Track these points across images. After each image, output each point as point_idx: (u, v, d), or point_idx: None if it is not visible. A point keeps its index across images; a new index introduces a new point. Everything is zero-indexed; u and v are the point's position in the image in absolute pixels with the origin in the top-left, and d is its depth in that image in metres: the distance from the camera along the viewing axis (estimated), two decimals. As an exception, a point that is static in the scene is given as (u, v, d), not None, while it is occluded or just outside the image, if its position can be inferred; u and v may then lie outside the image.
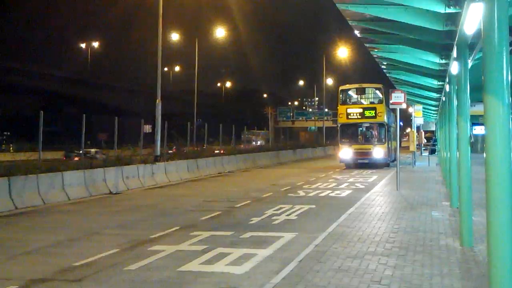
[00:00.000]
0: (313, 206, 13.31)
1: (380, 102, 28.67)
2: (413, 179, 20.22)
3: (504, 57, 4.28)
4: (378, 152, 27.92)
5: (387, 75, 18.06)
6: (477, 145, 34.84)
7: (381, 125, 28.38)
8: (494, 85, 4.34)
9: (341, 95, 29.63)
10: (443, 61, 11.19)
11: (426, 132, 43.93)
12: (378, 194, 15.28)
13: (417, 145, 31.60)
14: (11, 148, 31.34)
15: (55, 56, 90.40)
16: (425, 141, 42.79)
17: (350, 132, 29.25)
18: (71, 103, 62.22)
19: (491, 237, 4.43)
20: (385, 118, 28.17)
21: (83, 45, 66.95)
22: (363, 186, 18.36)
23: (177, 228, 10.44)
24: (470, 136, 8.38)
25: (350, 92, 30.23)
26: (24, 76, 57.69)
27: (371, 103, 29.71)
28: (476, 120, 23.97)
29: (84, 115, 18.56)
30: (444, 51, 10.33)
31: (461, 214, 8.12)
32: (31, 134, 22.46)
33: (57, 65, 68.13)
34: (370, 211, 11.80)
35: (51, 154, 19.82)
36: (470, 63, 8.43)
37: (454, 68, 8.97)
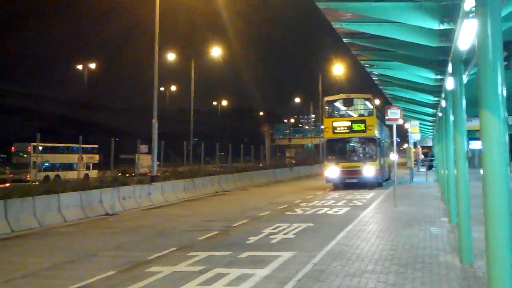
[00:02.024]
0: (311, 224, 13.21)
1: (370, 114, 26.11)
2: (411, 196, 20.14)
3: (499, 72, 4.28)
4: (368, 170, 25.10)
5: (383, 91, 18.10)
6: (475, 160, 34.93)
7: (371, 140, 25.75)
8: (489, 100, 4.33)
9: (326, 107, 26.96)
10: (439, 77, 11.23)
11: (423, 147, 43.96)
12: (376, 211, 15.19)
13: (414, 161, 31.25)
14: (7, 170, 31.18)
15: (51, 77, 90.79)
16: (423, 156, 42.83)
17: (337, 148, 26.73)
18: (67, 124, 62.22)
19: (490, 253, 4.38)
20: (376, 132, 25.78)
21: (79, 67, 67.19)
22: (360, 204, 18.27)
23: (174, 248, 10.33)
24: (467, 151, 8.36)
25: (336, 104, 27.65)
26: (20, 98, 57.78)
27: (360, 115, 27.38)
28: (473, 135, 24.03)
29: (81, 136, 18.53)
30: (439, 67, 10.36)
31: (460, 231, 8.06)
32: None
33: (53, 87, 68.34)
34: (368, 229, 11.72)
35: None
36: (465, 78, 8.45)
37: (450, 83, 8.99)
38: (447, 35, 7.75)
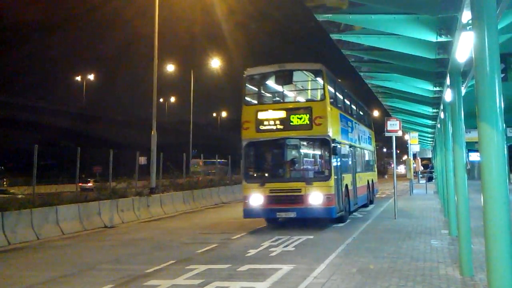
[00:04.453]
0: (311, 236, 13.14)
1: (322, 98, 15.02)
2: (411, 208, 20.09)
3: (496, 84, 4.28)
4: (315, 196, 14.27)
5: (382, 103, 18.14)
6: (474, 171, 34.95)
7: (322, 142, 14.94)
8: (487, 112, 4.33)
9: (247, 87, 15.63)
10: (437, 89, 11.27)
11: (422, 159, 43.98)
12: (376, 223, 15.14)
13: (414, 172, 31.06)
14: (4, 183, 31.11)
15: (49, 89, 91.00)
16: (422, 168, 42.84)
17: (263, 157, 16.17)
18: (65, 136, 62.19)
19: (490, 266, 4.34)
20: (331, 128, 14.58)
21: (78, 78, 67.41)
22: (361, 216, 18.19)
23: (173, 261, 10.25)
24: (466, 163, 8.35)
25: (263, 81, 16.37)
26: (18, 110, 57.81)
27: (306, 100, 16.84)
28: (472, 146, 24.07)
29: (79, 148, 18.50)
30: (437, 78, 10.39)
31: (460, 243, 8.01)
32: (25, 168, 22.32)
33: (51, 99, 68.43)
34: (368, 241, 11.65)
35: (44, 188, 19.70)
36: (463, 90, 8.46)
37: (448, 95, 9.01)
38: (445, 47, 7.78)
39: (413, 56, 8.76)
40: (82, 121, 65.35)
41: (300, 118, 14.63)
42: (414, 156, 31.85)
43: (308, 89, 17.01)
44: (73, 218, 15.95)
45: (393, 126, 16.41)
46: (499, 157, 4.31)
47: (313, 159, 16.75)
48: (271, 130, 14.92)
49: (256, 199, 14.85)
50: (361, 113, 22.29)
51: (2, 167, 43.51)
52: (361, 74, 12.64)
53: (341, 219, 15.62)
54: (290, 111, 14.89)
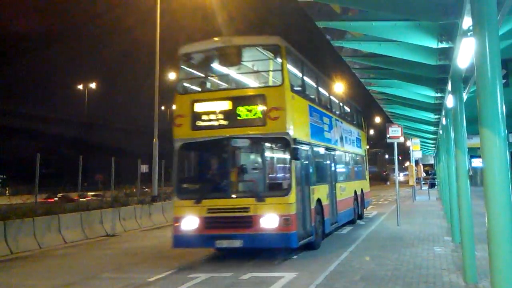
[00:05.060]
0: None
1: (280, 83, 11.14)
2: (414, 214, 20.01)
3: (498, 90, 4.27)
4: (268, 218, 10.49)
5: (384, 109, 18.14)
6: (477, 178, 34.86)
7: (280, 143, 11.35)
8: (489, 119, 4.31)
9: (182, 69, 12.10)
10: (439, 95, 11.25)
11: (425, 165, 43.93)
12: (379, 230, 15.08)
13: (416, 179, 30.96)
14: (7, 191, 31.15)
15: (51, 97, 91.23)
16: (424, 174, 42.79)
17: (200, 164, 12.72)
18: (67, 144, 62.29)
19: (494, 272, 4.30)
20: (291, 124, 10.90)
21: (79, 86, 67.53)
22: (363, 223, 18.13)
23: (175, 270, 10.22)
24: (469, 169, 8.32)
25: (204, 61, 12.55)
26: (19, 118, 57.93)
27: (258, 87, 12.79)
28: (474, 152, 24.01)
29: (81, 156, 18.52)
30: (438, 84, 10.39)
31: (464, 250, 7.97)
32: (27, 176, 22.35)
33: (53, 107, 68.56)
34: (371, 248, 11.60)
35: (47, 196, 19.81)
36: (465, 96, 8.45)
37: (450, 101, 8.99)
38: (446, 53, 7.78)
39: (414, 62, 8.76)
40: (83, 129, 65.48)
41: (250, 111, 10.89)
42: (416, 162, 31.74)
43: (262, 72, 13.00)
44: (75, 226, 15.94)
45: (395, 132, 16.38)
46: (501, 163, 4.28)
47: (268, 167, 11.99)
48: (211, 127, 11.08)
49: (190, 221, 10.85)
50: (346, 108, 18.65)
51: (4, 176, 43.54)
52: (362, 80, 12.64)
53: (310, 246, 11.82)
54: (237, 101, 11.08)
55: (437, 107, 13.29)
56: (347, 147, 17.63)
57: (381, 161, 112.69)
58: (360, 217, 18.94)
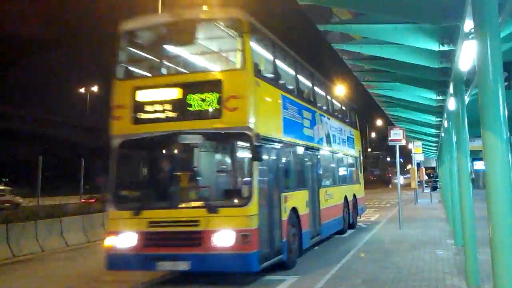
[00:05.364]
0: (315, 247, 13.07)
1: (241, 66, 8.91)
2: (416, 217, 19.97)
3: (500, 92, 4.26)
4: (222, 234, 8.22)
5: (385, 112, 18.14)
6: (479, 181, 34.76)
7: (240, 139, 9.01)
8: (491, 121, 4.31)
9: (122, 50, 9.74)
10: (440, 98, 11.25)
11: (427, 168, 43.84)
12: (381, 234, 15.05)
13: (418, 182, 30.84)
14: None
15: (53, 100, 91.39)
16: (426, 177, 42.70)
17: (142, 166, 10.95)
18: (69, 147, 62.39)
19: (497, 276, 4.29)
20: (253, 116, 8.63)
21: (82, 90, 67.61)
22: (365, 226, 18.10)
23: (177, 273, 10.21)
24: (471, 172, 8.30)
25: (150, 40, 10.36)
26: (22, 121, 58.08)
27: (213, 72, 10.04)
28: (476, 155, 23.96)
29: (83, 159, 18.53)
30: (440, 87, 10.39)
31: (466, 253, 7.95)
32: (29, 180, 22.38)
33: (55, 110, 68.62)
34: (373, 251, 11.58)
35: (49, 200, 19.80)
36: (467, 99, 8.44)
37: (451, 104, 8.99)
38: (447, 56, 7.78)
39: (416, 65, 8.77)
40: (85, 132, 65.61)
41: (204, 100, 8.68)
42: (418, 165, 31.65)
43: (220, 53, 10.90)
44: (77, 229, 15.93)
45: (397, 135, 16.36)
46: (503, 165, 4.27)
47: (226, 170, 10.38)
48: (156, 120, 9.02)
49: (127, 237, 8.73)
50: (336, 103, 16.90)
51: (7, 179, 43.65)
52: (364, 83, 12.66)
53: (282, 265, 9.75)
54: (188, 88, 8.94)
55: (439, 110, 13.29)
56: (336, 147, 15.37)
57: (383, 164, 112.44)
58: (352, 226, 16.57)
